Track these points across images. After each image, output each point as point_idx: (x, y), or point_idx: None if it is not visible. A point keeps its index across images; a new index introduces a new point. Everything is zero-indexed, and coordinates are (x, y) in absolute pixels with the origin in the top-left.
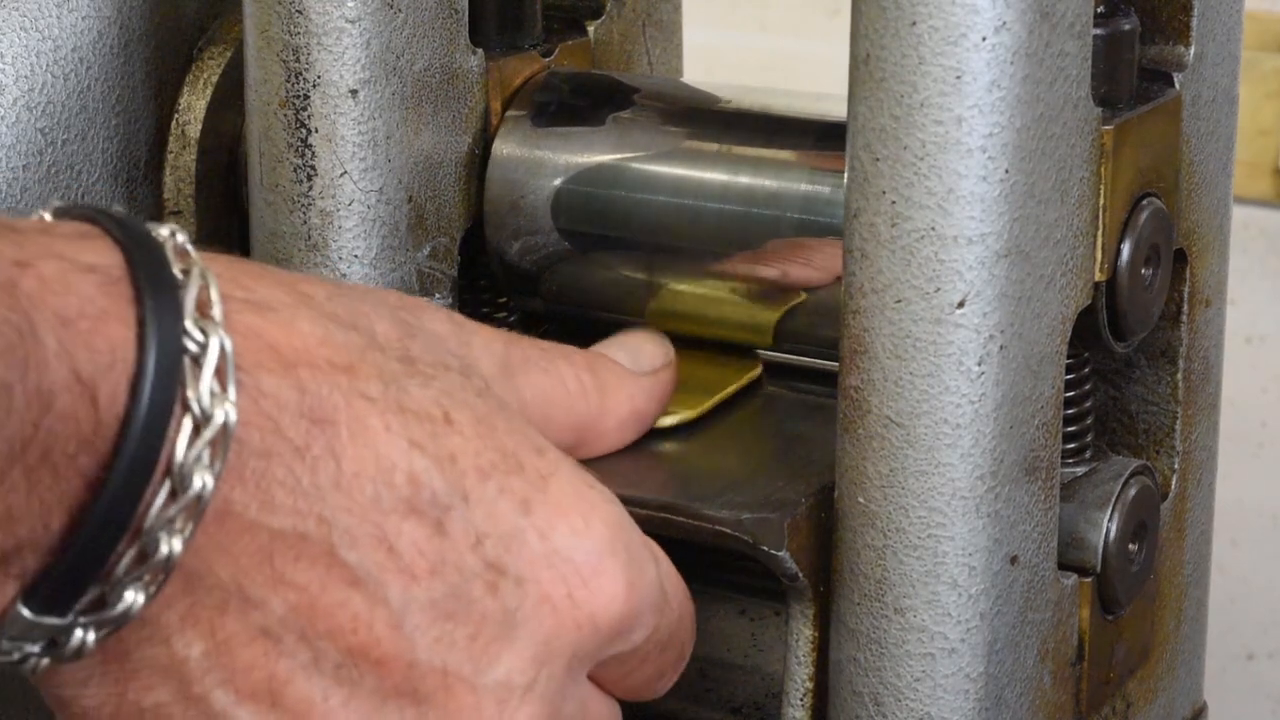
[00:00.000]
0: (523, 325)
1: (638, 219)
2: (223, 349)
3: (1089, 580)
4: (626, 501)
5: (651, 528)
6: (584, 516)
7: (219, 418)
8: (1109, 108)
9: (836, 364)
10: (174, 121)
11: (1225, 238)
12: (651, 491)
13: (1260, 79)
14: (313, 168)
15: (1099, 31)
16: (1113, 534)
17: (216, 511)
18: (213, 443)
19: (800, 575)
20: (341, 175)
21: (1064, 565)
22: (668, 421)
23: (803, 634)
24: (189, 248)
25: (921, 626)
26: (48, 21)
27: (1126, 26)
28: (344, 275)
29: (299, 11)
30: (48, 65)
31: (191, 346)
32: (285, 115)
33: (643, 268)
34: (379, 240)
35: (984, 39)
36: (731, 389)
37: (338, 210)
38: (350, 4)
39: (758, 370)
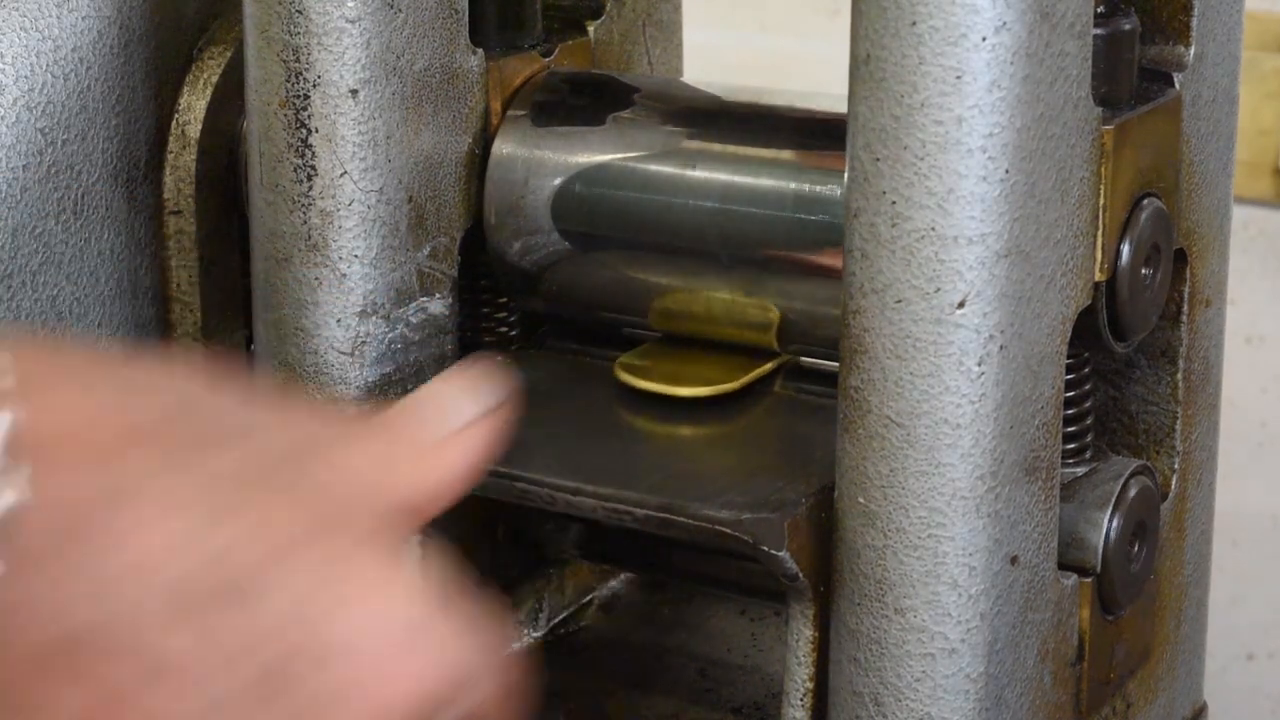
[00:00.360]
0: (522, 325)
1: (638, 219)
2: (7, 426)
3: (1089, 580)
4: (626, 503)
5: (651, 527)
6: (390, 595)
7: (4, 502)
8: (1109, 108)
9: (836, 364)
10: (174, 121)
11: (1225, 238)
12: (651, 491)
13: (1260, 79)
14: (313, 168)
15: (1099, 31)
16: (1113, 534)
17: (6, 599)
18: None
19: (800, 575)
20: (341, 175)
21: (1064, 565)
22: (706, 391)
23: (803, 634)
24: None
25: (921, 626)
26: (48, 21)
27: (1126, 26)
28: (344, 275)
29: (299, 11)
30: (48, 65)
31: None
32: (285, 115)
33: (642, 268)
34: (379, 240)
35: (984, 39)
36: (768, 367)
37: (338, 210)
38: (350, 4)
39: (784, 359)
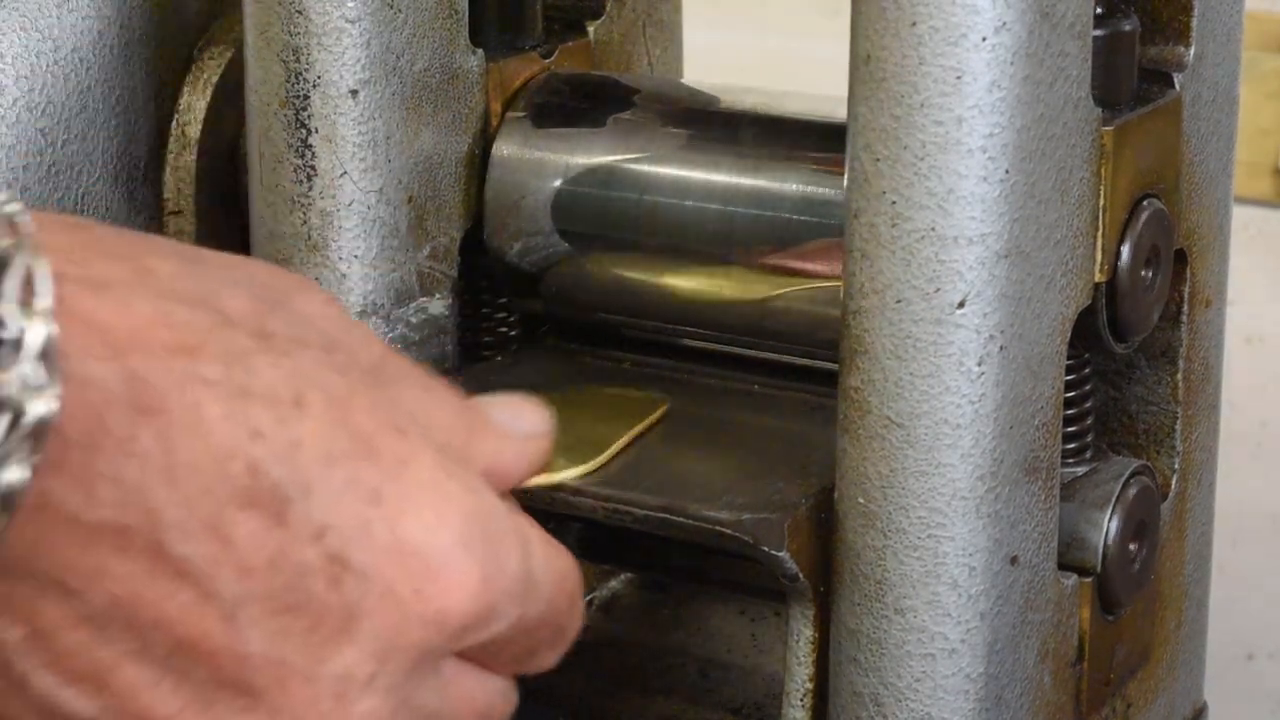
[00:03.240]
0: (522, 325)
1: (638, 219)
2: (45, 336)
3: (1089, 580)
4: (626, 503)
5: (651, 528)
6: (437, 508)
7: (36, 410)
8: (1109, 108)
9: (836, 364)
10: (174, 121)
11: (1225, 238)
12: (651, 492)
13: (1260, 79)
14: (313, 168)
15: (1099, 32)
16: (1113, 534)
17: (34, 503)
18: (30, 435)
19: (800, 575)
20: (341, 175)
21: (1064, 565)
22: (568, 475)
23: (803, 634)
24: (21, 220)
25: (921, 627)
26: (48, 21)
27: (1126, 27)
28: (344, 275)
29: (299, 11)
30: (48, 65)
31: (9, 333)
32: (285, 115)
33: (642, 269)
34: (379, 240)
35: (984, 39)
36: (635, 431)
37: (338, 210)
38: (350, 4)
39: (663, 409)
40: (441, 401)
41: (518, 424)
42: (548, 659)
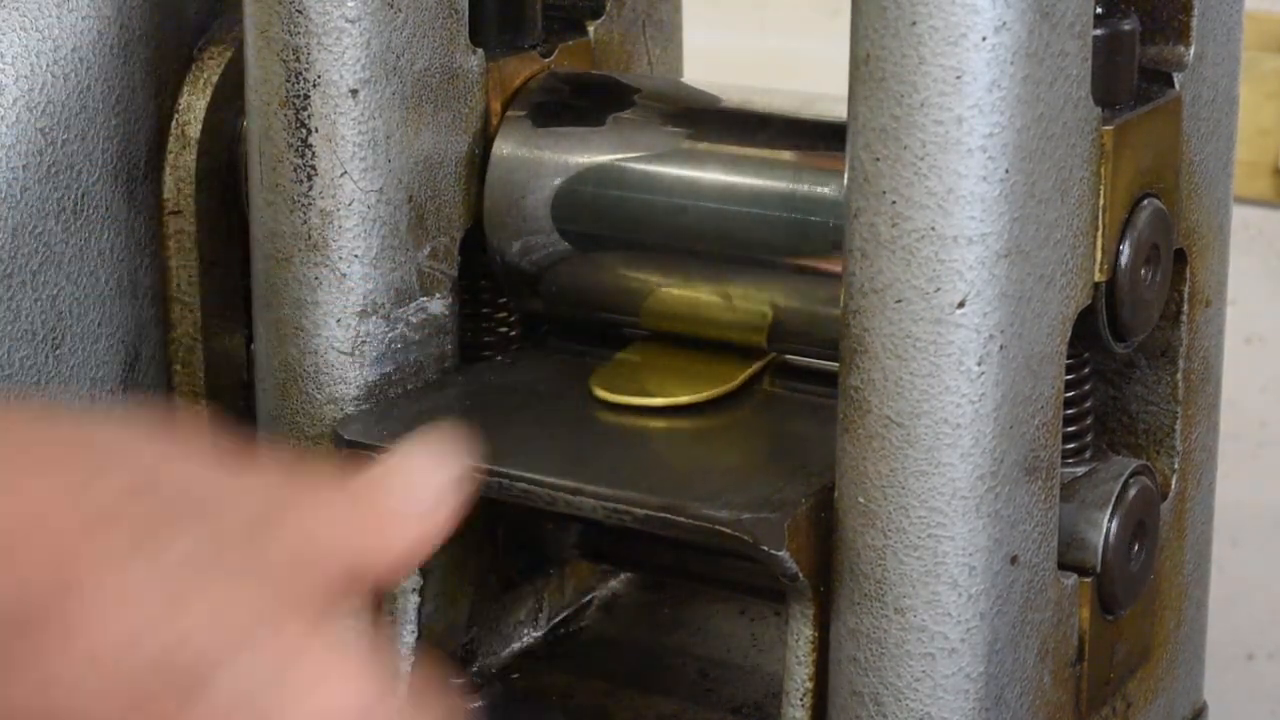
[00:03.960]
0: (522, 325)
1: (638, 219)
2: None
3: (1089, 580)
4: (626, 503)
5: (651, 527)
6: (337, 684)
7: None
8: (1109, 108)
9: (836, 364)
10: (174, 121)
11: (1225, 238)
12: (651, 491)
13: (1260, 79)
14: (313, 168)
15: (1099, 31)
16: (1113, 534)
17: None
18: None
19: (800, 575)
20: (341, 175)
21: (1064, 565)
22: (690, 399)
23: (803, 634)
24: None
25: (921, 626)
26: (48, 21)
27: (1126, 26)
28: (344, 275)
29: (299, 11)
30: (48, 65)
31: None
32: (285, 115)
33: (642, 268)
34: (379, 240)
35: (984, 39)
36: (753, 369)
37: (338, 210)
38: (350, 4)
39: (772, 356)
40: (333, 524)
41: (417, 495)
42: None
